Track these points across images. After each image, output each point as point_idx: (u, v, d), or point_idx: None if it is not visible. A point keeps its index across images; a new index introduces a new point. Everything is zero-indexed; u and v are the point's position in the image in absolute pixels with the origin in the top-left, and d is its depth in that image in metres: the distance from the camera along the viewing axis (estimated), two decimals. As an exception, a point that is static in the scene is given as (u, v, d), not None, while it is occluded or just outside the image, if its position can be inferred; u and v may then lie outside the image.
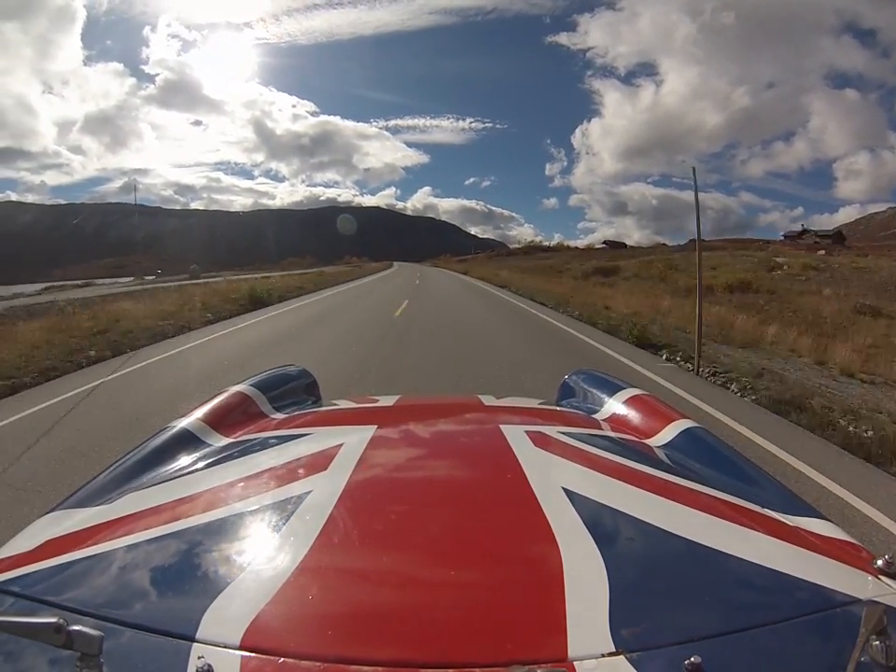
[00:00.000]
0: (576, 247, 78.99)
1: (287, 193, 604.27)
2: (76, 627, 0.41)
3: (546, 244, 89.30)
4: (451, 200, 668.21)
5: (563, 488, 0.70)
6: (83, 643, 0.41)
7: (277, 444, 0.95)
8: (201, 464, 0.88)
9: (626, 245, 74.08)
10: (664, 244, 60.79)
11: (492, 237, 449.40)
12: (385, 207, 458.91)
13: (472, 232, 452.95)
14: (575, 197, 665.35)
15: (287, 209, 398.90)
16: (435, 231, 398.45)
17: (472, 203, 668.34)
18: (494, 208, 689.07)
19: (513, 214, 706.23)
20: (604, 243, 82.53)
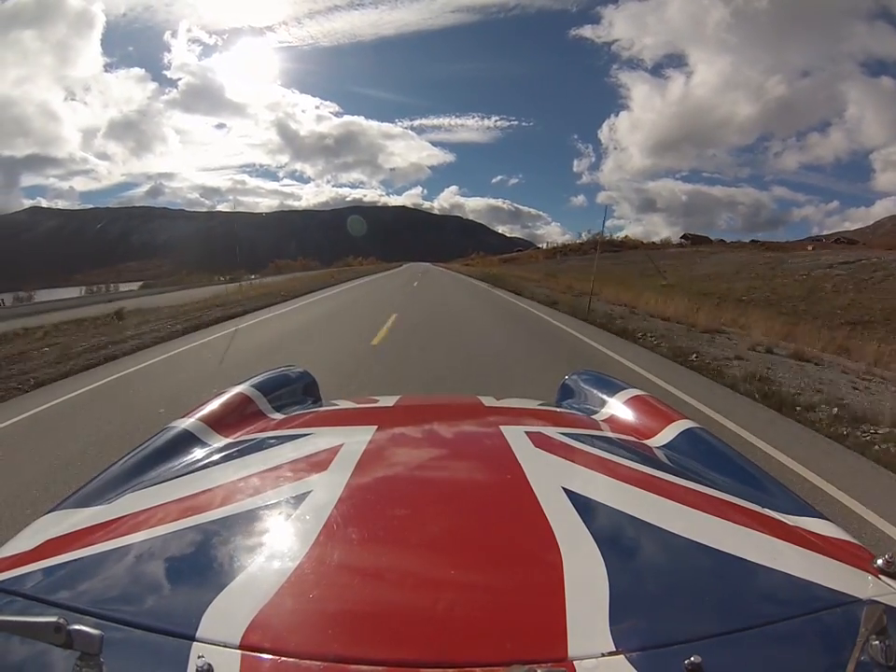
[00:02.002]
0: (651, 243, 57.14)
1: (312, 194, 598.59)
2: (76, 626, 0.41)
3: (617, 238, 62.13)
4: (477, 199, 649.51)
5: (563, 489, 0.71)
6: (83, 642, 0.41)
7: (277, 444, 0.96)
8: (200, 464, 0.89)
9: (710, 240, 60.46)
10: (754, 240, 47.66)
11: (519, 236, 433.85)
12: (411, 207, 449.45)
13: (500, 231, 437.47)
14: (603, 194, 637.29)
15: (311, 210, 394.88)
16: (462, 230, 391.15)
17: (499, 202, 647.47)
18: (521, 207, 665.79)
19: (540, 212, 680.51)
20: (683, 237, 61.26)
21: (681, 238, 61.48)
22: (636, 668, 0.44)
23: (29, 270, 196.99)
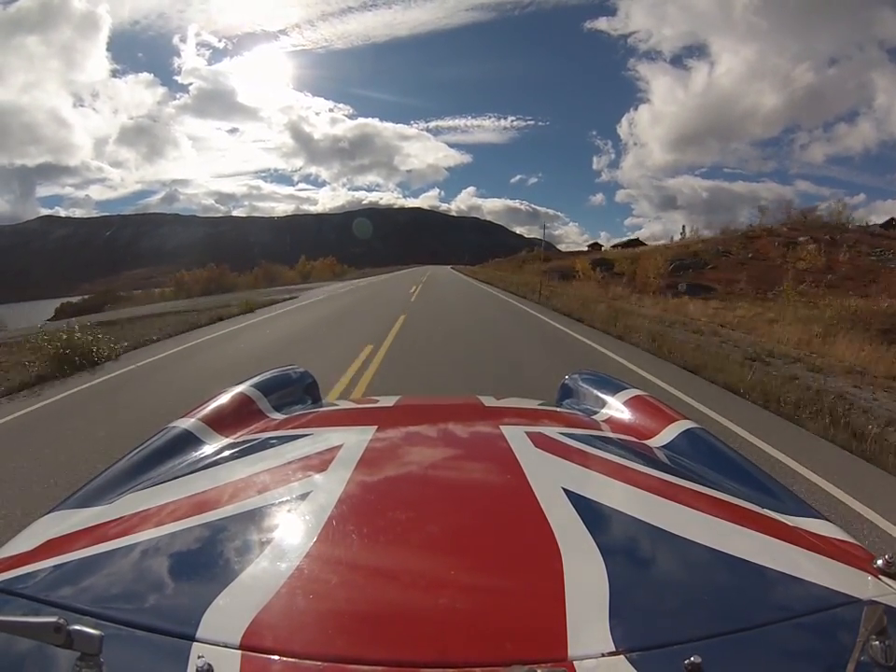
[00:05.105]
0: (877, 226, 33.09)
1: (328, 198, 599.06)
2: (76, 627, 0.42)
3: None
4: (495, 200, 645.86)
5: (563, 489, 0.72)
6: (83, 643, 0.42)
7: (277, 445, 0.98)
8: (201, 464, 0.91)
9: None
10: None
11: (538, 237, 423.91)
12: (427, 209, 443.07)
13: (518, 232, 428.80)
14: (622, 192, 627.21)
15: (325, 213, 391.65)
16: (480, 231, 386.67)
17: (516, 203, 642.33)
18: (538, 207, 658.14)
19: (558, 213, 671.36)
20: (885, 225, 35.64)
21: (880, 226, 35.15)
22: (636, 668, 0.45)
23: (38, 279, 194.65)
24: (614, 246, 58.63)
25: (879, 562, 0.62)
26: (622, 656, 0.46)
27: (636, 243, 56.29)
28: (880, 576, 0.61)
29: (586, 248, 71.27)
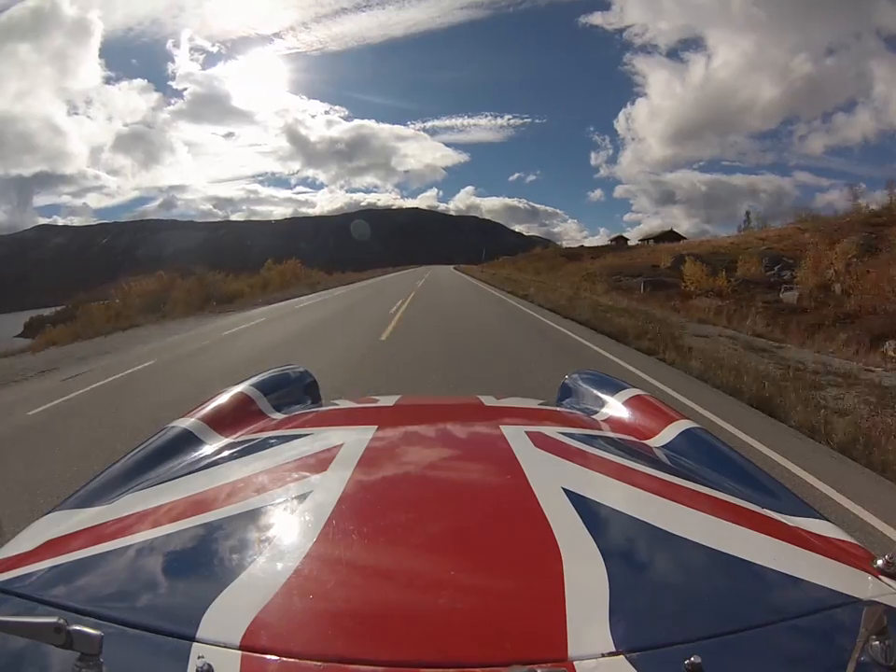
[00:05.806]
0: None
1: (326, 201, 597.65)
2: (76, 627, 0.42)
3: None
4: (493, 199, 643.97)
5: (563, 489, 0.72)
6: (83, 643, 0.42)
7: (277, 444, 0.99)
8: (201, 464, 0.91)
9: None
10: None
11: (537, 234, 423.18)
12: (426, 209, 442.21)
13: (517, 230, 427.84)
14: (620, 188, 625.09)
15: (322, 216, 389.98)
16: (479, 230, 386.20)
17: (515, 202, 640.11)
18: (537, 205, 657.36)
19: (557, 210, 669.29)
20: None
21: None
22: (636, 668, 0.45)
23: (37, 287, 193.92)
24: (642, 240, 52.80)
25: (879, 562, 0.62)
26: (622, 656, 0.46)
27: (671, 235, 50.98)
28: (880, 576, 0.61)
29: (610, 242, 62.22)
